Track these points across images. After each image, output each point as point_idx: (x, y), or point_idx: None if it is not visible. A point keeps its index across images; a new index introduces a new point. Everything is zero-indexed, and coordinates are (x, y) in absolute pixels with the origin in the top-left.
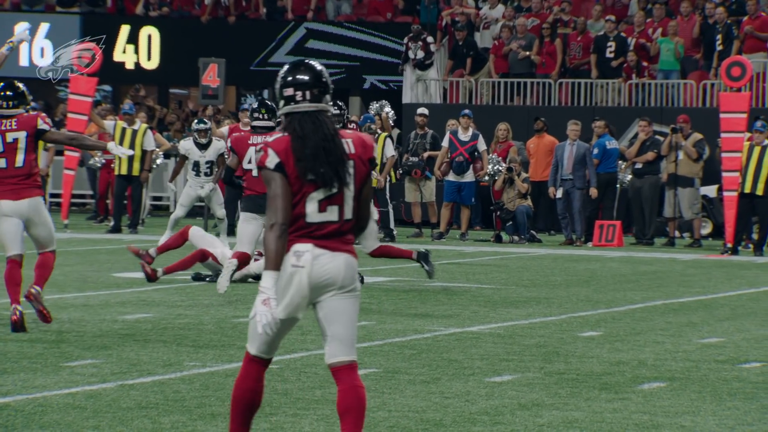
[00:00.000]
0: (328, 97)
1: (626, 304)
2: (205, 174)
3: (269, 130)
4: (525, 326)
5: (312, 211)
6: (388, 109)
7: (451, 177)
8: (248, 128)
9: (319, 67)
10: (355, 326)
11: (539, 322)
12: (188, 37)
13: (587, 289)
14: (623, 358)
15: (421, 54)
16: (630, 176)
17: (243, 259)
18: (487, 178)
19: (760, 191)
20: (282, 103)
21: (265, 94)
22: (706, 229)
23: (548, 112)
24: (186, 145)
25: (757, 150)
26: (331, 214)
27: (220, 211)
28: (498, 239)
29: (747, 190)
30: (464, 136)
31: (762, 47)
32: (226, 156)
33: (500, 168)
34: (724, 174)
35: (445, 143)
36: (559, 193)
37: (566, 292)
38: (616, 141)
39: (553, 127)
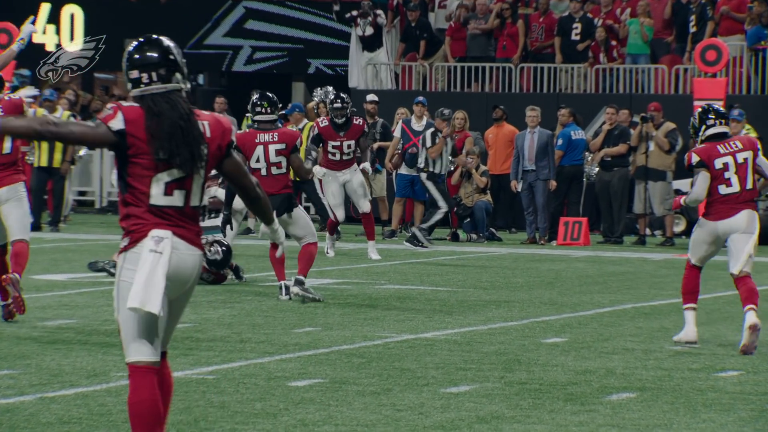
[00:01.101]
0: (178, 75)
1: (593, 307)
2: None
3: (273, 123)
4: (484, 332)
5: (157, 194)
6: (333, 96)
7: (403, 170)
8: None
9: (166, 42)
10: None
11: (499, 328)
12: (115, 17)
13: (551, 292)
14: (590, 367)
15: (370, 30)
16: (597, 169)
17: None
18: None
19: None
20: (130, 86)
21: (200, 79)
22: (680, 226)
23: (508, 99)
24: None
25: None
26: (177, 199)
27: None
28: (454, 238)
29: None
30: (418, 125)
31: (739, 29)
32: None
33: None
34: None
35: (396, 133)
36: (521, 186)
37: (528, 295)
38: (582, 131)
39: (514, 116)
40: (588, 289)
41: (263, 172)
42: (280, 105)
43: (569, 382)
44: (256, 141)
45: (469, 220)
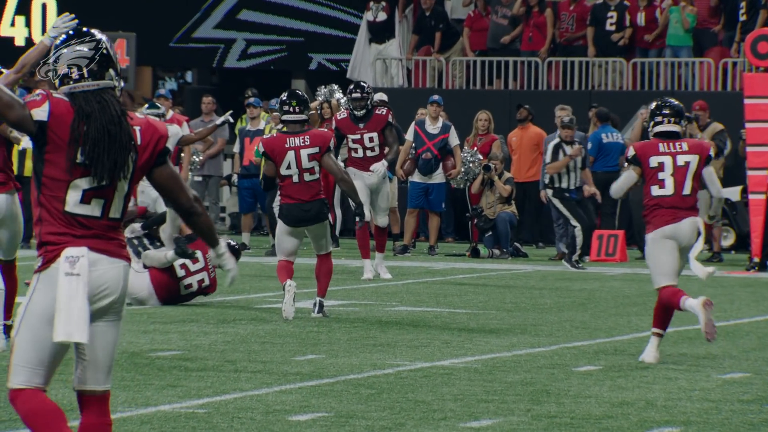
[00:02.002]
0: (112, 72)
1: (631, 332)
2: None
3: (303, 125)
4: (508, 359)
5: (73, 201)
6: (339, 95)
7: (416, 178)
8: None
9: (98, 36)
10: (115, 351)
11: (525, 355)
12: (91, 7)
13: (583, 314)
14: (627, 398)
15: (383, 16)
16: None
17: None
18: (459, 177)
19: None
20: (57, 83)
21: (189, 76)
22: (728, 240)
23: (535, 97)
24: None
25: None
26: (94, 208)
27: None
28: (475, 253)
29: None
30: (433, 127)
31: None
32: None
33: (477, 162)
34: (749, 173)
35: (409, 136)
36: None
37: (558, 318)
38: (618, 132)
39: (541, 116)
40: (625, 310)
41: (295, 179)
42: (324, 89)
43: (604, 416)
44: (286, 146)
45: (491, 233)
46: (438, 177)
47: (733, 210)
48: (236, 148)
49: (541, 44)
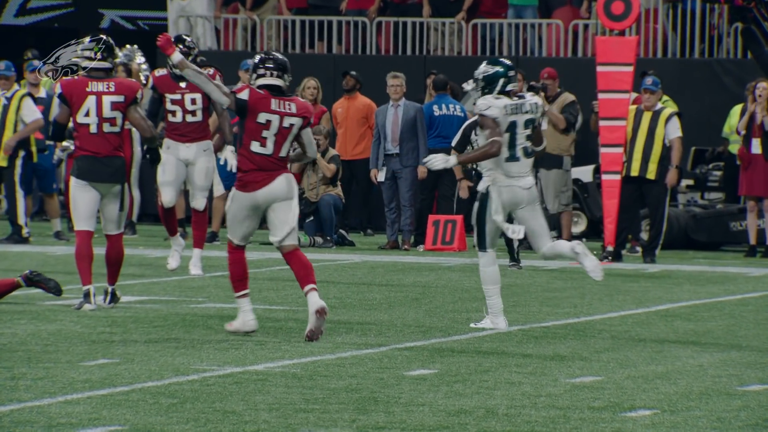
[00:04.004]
0: None
1: (470, 331)
2: None
3: (107, 73)
4: (331, 363)
5: None
6: (140, 59)
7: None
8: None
9: None
10: None
11: (350, 357)
12: None
13: (417, 311)
14: (466, 406)
15: None
16: None
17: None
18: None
19: (651, 174)
20: None
21: None
22: (579, 226)
23: (363, 63)
24: None
25: (647, 117)
26: None
27: None
28: None
29: (634, 172)
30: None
31: None
32: None
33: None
34: (602, 150)
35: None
36: (382, 176)
37: (388, 315)
38: (458, 104)
39: (370, 85)
40: (464, 306)
41: (93, 128)
42: (121, 52)
43: (439, 426)
44: (88, 90)
45: (312, 218)
46: None
47: (585, 192)
48: None
49: (371, 2)
